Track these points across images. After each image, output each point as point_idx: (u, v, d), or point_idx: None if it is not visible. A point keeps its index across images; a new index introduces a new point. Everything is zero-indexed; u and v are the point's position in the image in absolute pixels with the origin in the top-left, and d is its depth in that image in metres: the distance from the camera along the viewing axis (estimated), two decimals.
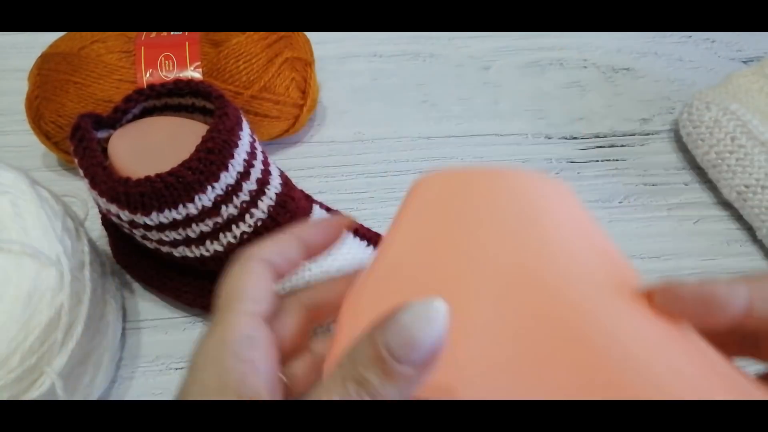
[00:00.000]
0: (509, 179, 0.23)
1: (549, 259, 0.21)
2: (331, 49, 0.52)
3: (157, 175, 0.31)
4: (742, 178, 0.42)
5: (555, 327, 0.20)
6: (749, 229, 0.44)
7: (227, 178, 0.32)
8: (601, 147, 0.48)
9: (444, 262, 0.22)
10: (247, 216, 0.33)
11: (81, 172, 0.33)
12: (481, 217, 0.22)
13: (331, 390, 0.20)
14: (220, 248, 0.33)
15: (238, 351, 0.22)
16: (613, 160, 0.48)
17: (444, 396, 0.20)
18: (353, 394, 0.19)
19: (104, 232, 0.40)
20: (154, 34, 0.43)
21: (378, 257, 0.24)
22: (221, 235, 0.33)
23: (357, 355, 0.20)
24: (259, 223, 0.33)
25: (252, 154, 0.33)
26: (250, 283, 0.24)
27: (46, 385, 0.31)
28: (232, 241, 0.33)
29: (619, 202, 0.45)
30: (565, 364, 0.19)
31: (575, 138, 0.48)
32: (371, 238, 0.39)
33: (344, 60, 0.52)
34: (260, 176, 0.34)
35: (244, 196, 0.33)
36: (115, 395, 0.37)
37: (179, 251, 0.34)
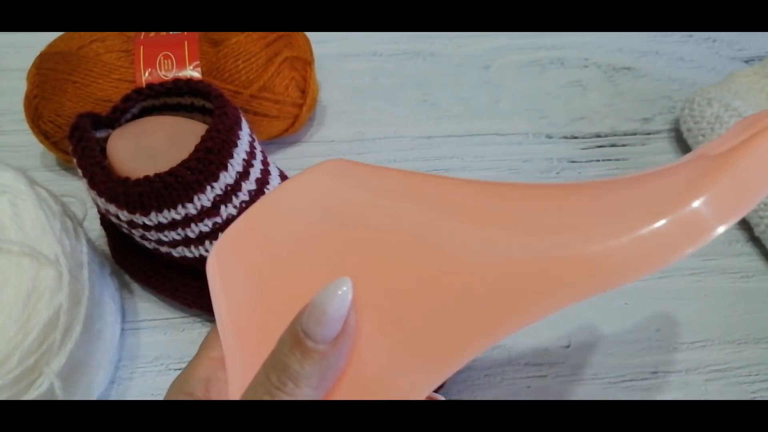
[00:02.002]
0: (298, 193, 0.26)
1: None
2: (331, 49, 0.52)
3: (156, 175, 0.30)
4: None
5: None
6: (751, 229, 0.43)
7: (226, 177, 0.31)
8: (602, 146, 0.48)
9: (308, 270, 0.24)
10: None
11: (80, 171, 0.33)
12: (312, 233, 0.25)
13: (256, 383, 0.22)
14: None
15: (193, 391, 0.25)
16: (614, 159, 0.47)
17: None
18: (275, 381, 0.21)
19: (103, 232, 0.40)
20: (153, 33, 0.42)
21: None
22: (221, 236, 0.33)
23: (279, 347, 0.22)
24: None
25: (251, 154, 0.33)
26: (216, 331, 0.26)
27: (44, 386, 0.31)
28: None
29: None
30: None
31: (576, 137, 0.48)
32: None
33: (344, 59, 0.52)
34: (260, 176, 0.34)
35: (243, 196, 0.33)
36: (114, 396, 0.37)
37: (178, 251, 0.34)
